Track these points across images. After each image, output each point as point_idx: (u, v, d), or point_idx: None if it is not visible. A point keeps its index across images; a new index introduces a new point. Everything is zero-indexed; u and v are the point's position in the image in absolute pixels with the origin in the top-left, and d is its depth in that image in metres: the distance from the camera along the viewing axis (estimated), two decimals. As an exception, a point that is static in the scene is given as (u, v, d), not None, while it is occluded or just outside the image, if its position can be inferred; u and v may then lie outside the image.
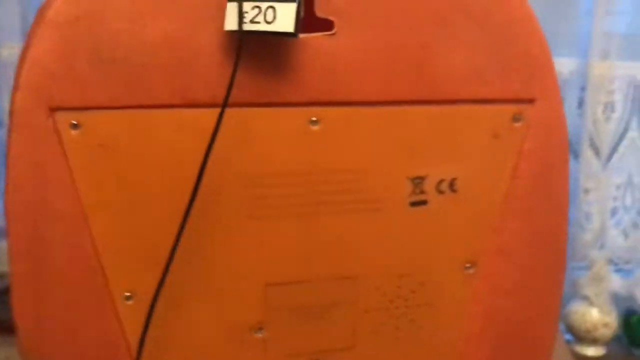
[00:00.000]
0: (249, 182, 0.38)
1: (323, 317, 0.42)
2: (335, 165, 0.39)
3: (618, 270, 1.00)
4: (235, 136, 0.37)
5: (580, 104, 0.95)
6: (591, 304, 0.96)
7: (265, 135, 0.38)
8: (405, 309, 0.43)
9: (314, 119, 0.38)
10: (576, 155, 0.96)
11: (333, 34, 0.37)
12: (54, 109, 0.34)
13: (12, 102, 0.34)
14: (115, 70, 0.34)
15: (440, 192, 0.42)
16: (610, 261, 0.98)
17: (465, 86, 0.40)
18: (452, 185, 0.42)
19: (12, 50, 1.03)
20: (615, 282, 1.00)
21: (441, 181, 0.42)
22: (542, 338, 0.46)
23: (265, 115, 0.37)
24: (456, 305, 0.44)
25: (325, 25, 0.37)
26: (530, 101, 0.42)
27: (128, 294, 0.38)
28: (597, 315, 0.96)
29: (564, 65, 0.94)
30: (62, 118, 0.34)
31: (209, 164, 0.36)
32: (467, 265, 0.44)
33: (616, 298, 1.00)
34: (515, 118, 0.42)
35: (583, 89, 0.94)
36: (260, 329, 0.41)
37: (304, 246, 0.40)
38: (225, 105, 0.35)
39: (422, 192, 0.41)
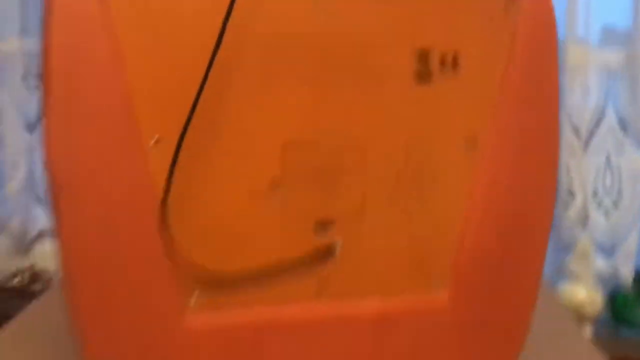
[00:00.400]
0: (266, 42, 0.41)
1: (334, 181, 0.44)
2: (341, 32, 0.43)
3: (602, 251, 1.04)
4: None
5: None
6: (578, 280, 0.99)
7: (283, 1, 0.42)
8: (412, 181, 0.46)
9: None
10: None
11: None
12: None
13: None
14: None
15: (444, 67, 0.45)
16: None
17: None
18: (454, 61, 0.46)
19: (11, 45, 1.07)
20: (599, 262, 1.03)
21: (444, 56, 0.45)
22: (539, 218, 0.49)
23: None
24: (459, 180, 0.47)
25: None
26: (522, -12, 0.46)
27: (155, 138, 0.40)
28: (583, 293, 0.99)
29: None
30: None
31: (230, 21, 0.39)
32: (470, 142, 0.47)
33: (601, 279, 1.03)
34: (507, 4, 0.46)
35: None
36: (278, 186, 0.43)
37: (316, 108, 0.43)
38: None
39: (426, 66, 0.45)
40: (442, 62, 0.46)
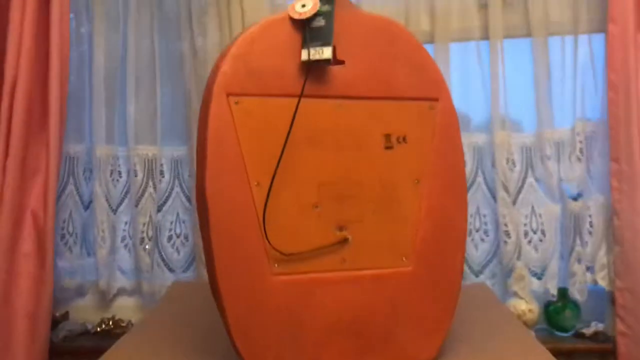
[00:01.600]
0: (310, 133, 0.83)
1: (346, 203, 0.85)
2: (347, 127, 0.85)
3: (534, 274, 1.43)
4: (304, 111, 0.83)
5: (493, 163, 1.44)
6: (519, 297, 1.37)
7: (316, 110, 0.84)
8: (387, 202, 0.87)
9: (338, 104, 0.85)
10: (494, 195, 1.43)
11: (344, 65, 0.85)
12: (228, 94, 0.80)
13: (209, 93, 0.80)
14: (255, 78, 0.81)
15: (399, 142, 0.87)
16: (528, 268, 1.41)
17: (406, 91, 0.87)
18: (404, 139, 0.88)
19: (103, 151, 1.50)
20: (533, 283, 1.42)
21: (399, 136, 0.87)
22: (460, 223, 0.89)
23: (317, 101, 0.84)
24: (411, 203, 0.88)
25: (341, 61, 0.85)
26: (436, 99, 0.89)
27: (257, 182, 0.81)
28: (524, 305, 1.37)
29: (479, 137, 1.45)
30: (232, 99, 0.80)
31: (294, 124, 0.81)
32: (416, 181, 0.88)
33: (536, 295, 1.42)
34: (431, 107, 0.89)
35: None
36: (317, 207, 0.84)
37: (335, 165, 0.84)
38: (301, 95, 0.82)
39: (390, 142, 0.87)
40: (398, 139, 0.87)
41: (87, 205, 1.56)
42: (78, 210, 1.55)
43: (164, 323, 1.09)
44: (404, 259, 0.87)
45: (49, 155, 1.32)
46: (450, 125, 0.90)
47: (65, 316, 1.55)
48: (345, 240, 0.84)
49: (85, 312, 1.54)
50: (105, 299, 1.52)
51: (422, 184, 0.88)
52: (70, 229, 1.54)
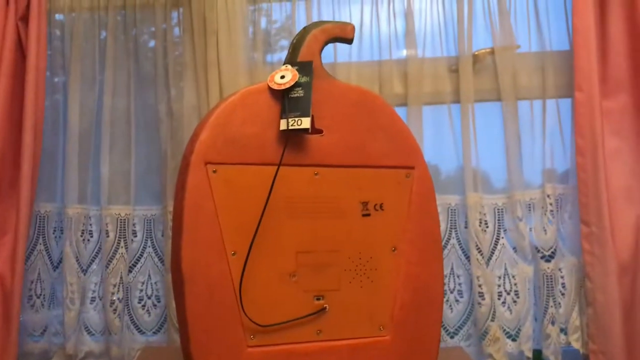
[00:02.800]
0: (287, 199, 0.83)
1: (323, 271, 0.84)
2: (325, 194, 0.86)
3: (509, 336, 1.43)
4: (283, 179, 0.83)
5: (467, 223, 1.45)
6: (494, 359, 1.37)
7: (294, 178, 0.84)
8: (364, 270, 0.87)
9: (316, 172, 0.85)
10: (467, 257, 1.44)
11: (322, 135, 0.86)
12: (206, 163, 0.80)
13: (187, 161, 0.80)
14: (233, 147, 0.82)
15: (376, 209, 0.88)
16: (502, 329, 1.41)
17: (383, 159, 0.89)
18: (381, 206, 0.88)
19: (75, 210, 1.47)
20: (509, 345, 1.42)
21: (376, 204, 0.88)
22: (436, 290, 0.89)
23: (295, 169, 0.84)
24: (389, 271, 0.88)
25: (319, 130, 0.86)
26: (412, 167, 0.90)
27: (233, 252, 0.80)
28: (499, 368, 1.36)
29: (451, 199, 1.46)
30: (210, 167, 0.80)
31: (272, 192, 0.82)
32: (393, 249, 0.88)
33: (511, 357, 1.41)
34: (407, 175, 0.90)
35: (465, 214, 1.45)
36: (294, 275, 0.83)
37: (312, 232, 0.84)
38: (280, 162, 0.82)
39: (367, 209, 0.88)
40: (375, 207, 0.88)
41: (57, 266, 1.53)
42: (47, 270, 1.51)
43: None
44: (381, 329, 0.86)
45: (19, 216, 1.30)
46: (426, 192, 0.91)
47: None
48: (322, 310, 0.84)
49: (51, 378, 1.49)
50: (72, 365, 1.47)
51: (399, 251, 0.88)
52: (38, 291, 1.50)
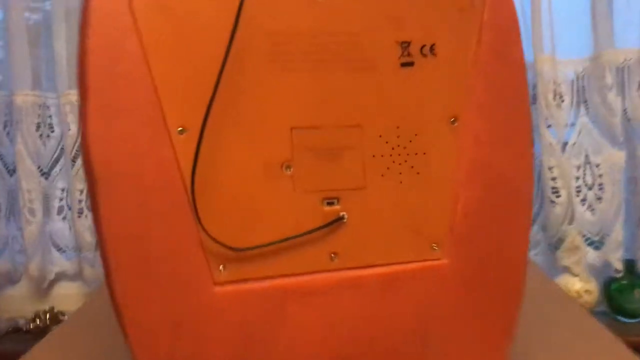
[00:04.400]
0: (271, 38, 0.48)
1: (337, 160, 0.50)
2: (336, 28, 0.50)
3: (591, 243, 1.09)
4: (263, 1, 0.48)
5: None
6: (572, 273, 1.04)
7: (283, 1, 0.48)
8: (405, 156, 0.52)
9: (320, -11, 0.49)
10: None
11: None
12: (123, -27, 0.45)
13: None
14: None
15: (424, 55, 0.52)
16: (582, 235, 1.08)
17: (433, -32, 0.52)
18: (432, 49, 0.53)
19: (25, 97, 1.14)
20: (590, 255, 1.08)
21: (423, 46, 0.52)
22: (523, 186, 0.55)
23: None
24: (446, 154, 0.53)
25: None
26: (484, -18, 0.54)
27: (180, 128, 0.46)
28: (578, 284, 1.04)
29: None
30: (130, -21, 0.45)
31: (241, 21, 0.46)
32: (452, 119, 0.53)
33: (594, 270, 1.08)
34: (474, -4, 0.53)
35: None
36: (289, 166, 0.49)
37: (317, 95, 0.50)
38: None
39: (409, 54, 0.52)
40: (422, 50, 0.52)
41: (14, 170, 1.21)
42: (1, 176, 1.20)
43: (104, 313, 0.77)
44: (434, 247, 0.53)
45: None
46: (505, 25, 0.55)
47: (-6, 309, 1.22)
48: (338, 220, 0.51)
49: (16, 303, 1.22)
50: (40, 286, 1.19)
51: (461, 124, 0.53)
52: (-7, 201, 1.20)
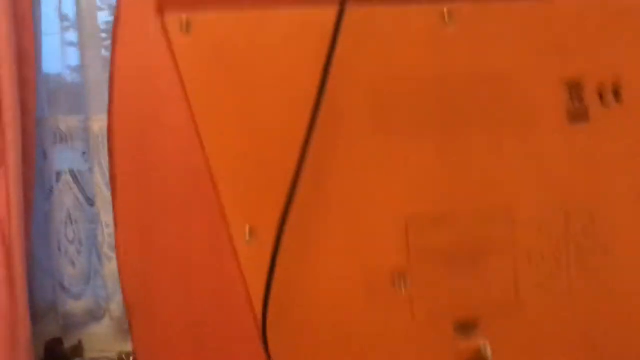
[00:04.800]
0: (374, 88, 0.32)
1: (475, 265, 0.34)
2: (473, 69, 0.33)
3: None
4: (358, 36, 0.32)
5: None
6: None
7: (392, 35, 0.33)
8: (576, 254, 0.35)
9: (447, 14, 0.33)
10: None
11: None
12: (162, 10, 0.31)
13: (119, 8, 0.31)
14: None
15: (604, 102, 0.35)
16: None
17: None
18: (616, 91, 0.35)
19: (103, 123, 1.05)
20: None
21: (602, 84, 0.35)
22: None
23: (392, 12, 0.32)
24: (637, 246, 0.35)
25: None
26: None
27: (249, 229, 0.32)
28: None
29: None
30: (172, 17, 0.31)
31: (333, 69, 0.31)
32: (646, 195, 0.35)
33: None
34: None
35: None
36: (404, 278, 0.33)
37: (444, 170, 0.33)
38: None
39: (581, 102, 0.35)
40: (601, 95, 0.35)
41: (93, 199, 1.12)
42: (80, 205, 1.12)
43: None
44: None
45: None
46: None
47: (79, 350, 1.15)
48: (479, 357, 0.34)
49: (100, 343, 1.13)
50: (123, 327, 1.10)
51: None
52: (70, 234, 1.11)
